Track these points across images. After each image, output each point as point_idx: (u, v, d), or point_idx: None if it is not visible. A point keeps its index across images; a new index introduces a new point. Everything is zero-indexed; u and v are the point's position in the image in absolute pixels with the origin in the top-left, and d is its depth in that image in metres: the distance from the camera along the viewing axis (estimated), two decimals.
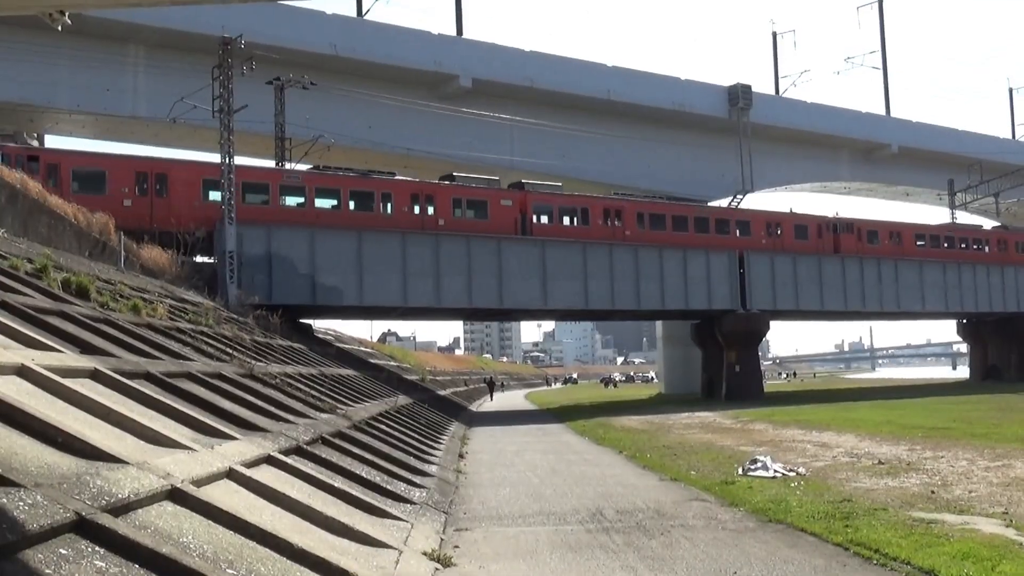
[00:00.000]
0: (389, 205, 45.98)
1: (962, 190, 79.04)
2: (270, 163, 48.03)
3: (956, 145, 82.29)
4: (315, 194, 44.69)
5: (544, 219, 51.06)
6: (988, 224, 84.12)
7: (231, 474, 8.40)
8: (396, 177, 48.62)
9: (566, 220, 51.93)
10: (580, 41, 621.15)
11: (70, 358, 9.48)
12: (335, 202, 45.28)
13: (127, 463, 6.67)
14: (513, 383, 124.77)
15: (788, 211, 63.21)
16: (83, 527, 5.37)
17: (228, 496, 7.67)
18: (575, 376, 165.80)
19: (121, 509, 5.90)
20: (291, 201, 44.23)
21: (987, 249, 70.52)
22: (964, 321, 78.75)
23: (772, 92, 77.23)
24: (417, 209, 46.52)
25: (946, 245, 68.26)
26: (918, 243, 66.75)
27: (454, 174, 50.26)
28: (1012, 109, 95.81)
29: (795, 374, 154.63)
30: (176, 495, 6.79)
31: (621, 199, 54.64)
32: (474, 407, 58.93)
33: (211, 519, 6.81)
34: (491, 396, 76.84)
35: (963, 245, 69.50)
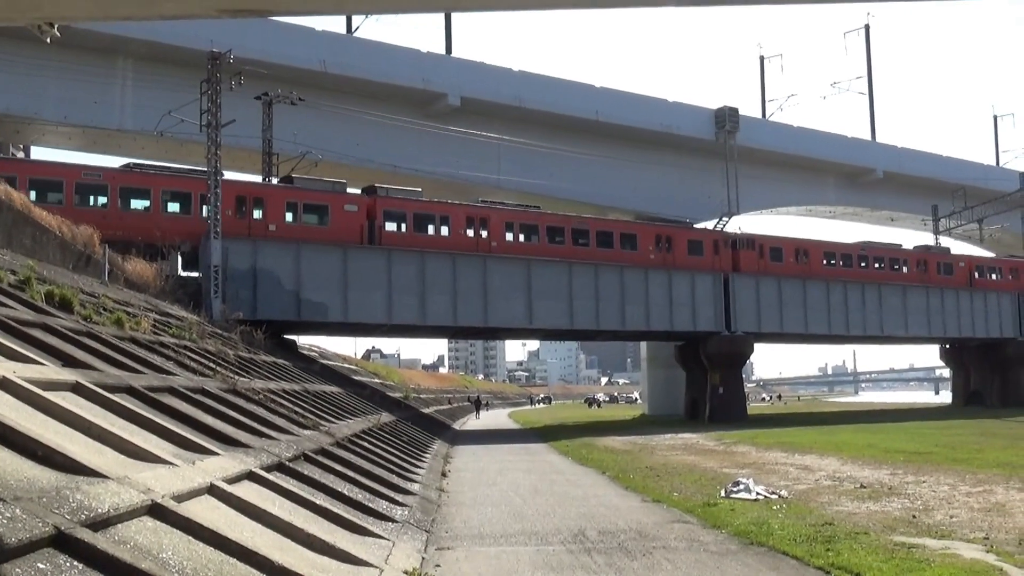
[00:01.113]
0: (206, 209, 39.86)
1: (946, 216, 79.48)
2: (257, 178, 47.97)
3: (941, 171, 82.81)
4: (120, 194, 40.19)
5: (397, 226, 46.80)
6: (974, 249, 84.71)
7: (212, 490, 8.36)
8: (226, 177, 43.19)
9: (423, 228, 47.57)
10: (568, 62, 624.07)
11: (52, 371, 9.43)
12: (147, 203, 40.86)
13: (107, 477, 6.63)
14: (497, 402, 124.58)
15: (685, 223, 60.88)
16: (62, 541, 5.33)
17: (209, 512, 7.63)
18: (547, 396, 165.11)
19: (100, 524, 5.86)
20: (93, 201, 39.80)
21: (905, 269, 67.86)
22: (947, 346, 79.07)
23: (759, 115, 77.63)
24: (246, 213, 42.10)
25: (861, 265, 65.54)
26: (827, 262, 63.62)
27: (293, 175, 46.22)
28: (996, 136, 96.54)
29: (780, 397, 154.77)
30: (156, 510, 6.75)
31: (488, 206, 50.52)
32: (457, 425, 58.79)
33: (191, 535, 6.77)
34: (477, 414, 78.27)
35: (878, 265, 66.51)
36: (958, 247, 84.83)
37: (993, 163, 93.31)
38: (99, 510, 5.94)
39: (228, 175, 46.15)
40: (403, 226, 46.89)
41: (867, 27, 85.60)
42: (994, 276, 73.30)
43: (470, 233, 48.67)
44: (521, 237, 50.62)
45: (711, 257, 57.44)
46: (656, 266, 54.78)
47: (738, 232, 60.88)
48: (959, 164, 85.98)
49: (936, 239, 79.44)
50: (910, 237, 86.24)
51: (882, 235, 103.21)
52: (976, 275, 71.87)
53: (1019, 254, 78.21)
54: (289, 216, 43.70)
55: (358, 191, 46.81)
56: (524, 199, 57.66)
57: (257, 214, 42.63)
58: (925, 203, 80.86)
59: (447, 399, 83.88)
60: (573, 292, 51.26)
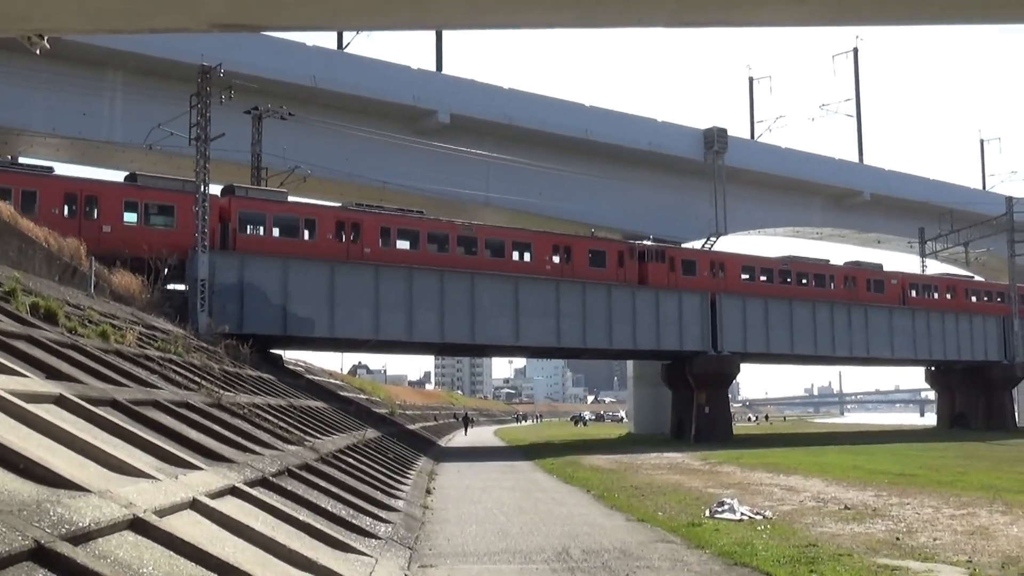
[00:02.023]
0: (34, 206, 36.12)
1: (932, 239, 79.85)
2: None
3: (927, 194, 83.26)
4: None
5: (255, 230, 43.24)
6: (959, 271, 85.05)
7: (195, 505, 8.31)
8: (54, 173, 39.84)
9: (290, 232, 44.08)
10: (558, 81, 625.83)
11: (35, 383, 9.38)
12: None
13: (89, 491, 6.59)
14: (483, 419, 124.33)
15: (590, 233, 57.64)
16: (41, 555, 5.30)
17: (191, 527, 7.59)
18: (523, 414, 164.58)
19: (81, 538, 5.82)
20: None
21: (832, 286, 64.86)
22: (932, 368, 79.27)
23: (747, 136, 77.98)
24: (77, 213, 38.08)
25: (784, 280, 62.56)
26: (743, 276, 60.57)
27: (137, 173, 43.07)
28: (983, 161, 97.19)
29: (767, 417, 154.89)
30: (138, 525, 6.71)
31: (362, 210, 46.30)
32: (443, 442, 58.66)
33: (173, 550, 6.73)
34: (465, 431, 78.85)
35: (803, 281, 63.66)
36: (945, 270, 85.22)
37: (980, 187, 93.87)
38: (80, 524, 5.90)
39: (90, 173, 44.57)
40: (262, 230, 43.38)
41: (855, 50, 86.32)
42: (928, 295, 71.06)
43: (342, 239, 44.71)
44: (400, 244, 46.98)
45: (615, 269, 53.74)
46: (555, 276, 51.25)
47: (647, 243, 57.35)
48: (946, 187, 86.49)
49: (923, 262, 79.78)
50: (897, 260, 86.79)
51: (869, 257, 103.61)
52: (912, 293, 69.71)
53: (1004, 278, 78.43)
54: (130, 217, 39.85)
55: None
56: (513, 217, 57.76)
57: (93, 214, 38.55)
58: (912, 226, 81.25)
59: (433, 416, 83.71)
60: (560, 310, 51.29)
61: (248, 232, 42.77)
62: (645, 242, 57.05)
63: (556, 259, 52.02)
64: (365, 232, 45.43)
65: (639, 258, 55.26)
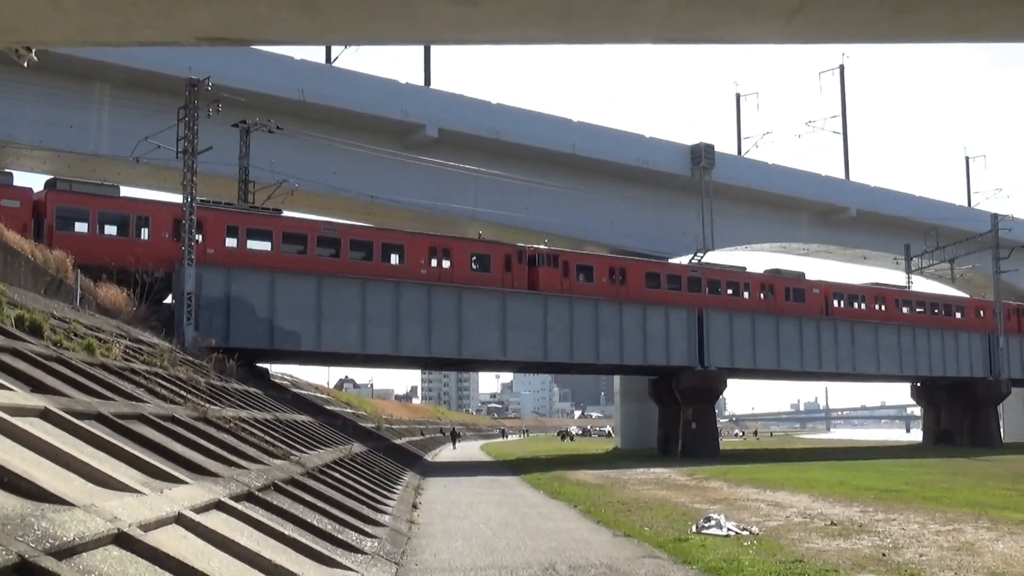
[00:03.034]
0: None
1: (918, 255, 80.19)
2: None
3: (913, 211, 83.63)
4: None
5: (77, 228, 38.93)
6: (948, 290, 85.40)
7: (180, 519, 8.28)
8: None
9: (122, 231, 40.04)
10: (546, 96, 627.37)
11: (20, 396, 9.34)
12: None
13: (74, 505, 6.56)
14: (470, 434, 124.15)
15: (477, 236, 53.77)
16: (25, 570, 5.27)
17: (176, 542, 7.56)
18: (505, 430, 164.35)
19: (65, 552, 5.79)
20: None
21: (747, 295, 61.35)
22: (918, 385, 79.50)
23: (735, 152, 78.25)
24: None
25: (691, 289, 58.59)
26: (648, 284, 56.85)
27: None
28: (968, 177, 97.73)
29: (756, 433, 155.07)
30: (122, 539, 6.68)
31: (205, 206, 41.95)
32: (430, 456, 58.54)
33: (157, 565, 6.70)
34: (454, 445, 79.59)
35: (715, 289, 60.08)
36: (930, 286, 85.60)
37: (965, 204, 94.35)
38: (64, 538, 5.87)
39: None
40: (85, 227, 39.04)
41: (842, 67, 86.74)
42: (855, 305, 67.66)
43: (172, 237, 40.16)
44: (253, 244, 43.16)
45: (500, 274, 49.97)
46: (431, 281, 47.34)
47: (539, 247, 53.10)
48: (931, 204, 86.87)
49: (908, 278, 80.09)
50: (883, 276, 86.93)
51: (855, 273, 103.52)
52: (836, 303, 66.10)
53: (989, 295, 78.79)
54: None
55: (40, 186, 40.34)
56: (501, 231, 57.75)
57: None
58: (898, 242, 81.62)
59: (420, 430, 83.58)
60: (547, 325, 51.32)
61: (70, 230, 38.32)
62: (539, 246, 53.13)
63: (434, 262, 48.12)
64: (209, 231, 41.20)
65: (530, 262, 51.73)
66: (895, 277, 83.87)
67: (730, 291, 60.76)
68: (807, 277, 66.17)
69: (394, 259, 47.42)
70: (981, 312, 74.43)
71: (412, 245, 48.15)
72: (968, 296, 79.70)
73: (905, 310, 70.20)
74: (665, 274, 58.55)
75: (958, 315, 73.31)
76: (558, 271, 52.41)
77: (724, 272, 61.96)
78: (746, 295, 61.38)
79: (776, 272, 65.97)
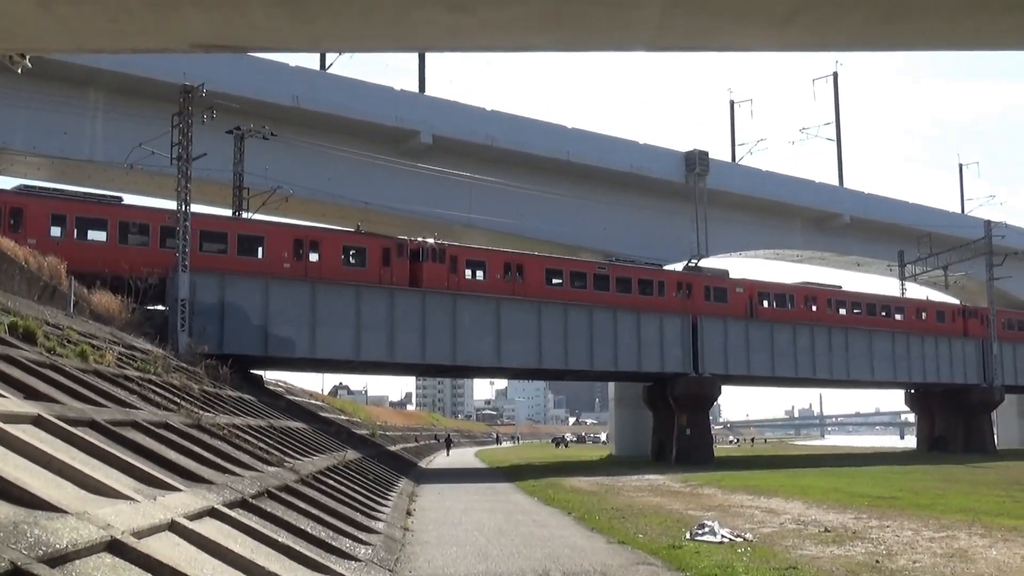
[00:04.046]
0: None
1: (912, 262, 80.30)
2: (227, 212, 47.76)
3: (907, 217, 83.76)
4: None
5: None
6: (942, 297, 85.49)
7: (173, 526, 8.27)
8: None
9: None
10: (541, 103, 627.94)
11: (13, 403, 9.32)
12: None
13: (67, 512, 6.55)
14: (464, 440, 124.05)
15: (356, 229, 49.51)
16: None
17: (169, 549, 7.55)
18: (499, 436, 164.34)
19: (58, 560, 5.78)
20: None
21: (663, 294, 57.85)
22: (912, 391, 79.58)
23: (729, 159, 78.37)
24: None
25: (598, 288, 55.23)
26: (553, 281, 53.59)
27: None
28: (962, 184, 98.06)
29: (752, 440, 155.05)
30: (115, 547, 6.67)
31: (24, 193, 39.35)
32: (424, 463, 58.48)
33: (151, 572, 6.69)
34: (448, 452, 79.51)
35: (625, 287, 56.45)
36: (923, 293, 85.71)
37: (959, 211, 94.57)
38: (57, 545, 5.86)
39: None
40: None
41: (835, 74, 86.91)
42: (784, 305, 64.41)
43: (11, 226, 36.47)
44: (84, 234, 39.83)
45: (377, 269, 46.13)
46: (297, 276, 43.73)
47: (426, 241, 49.25)
48: (925, 211, 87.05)
49: (902, 285, 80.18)
50: (877, 282, 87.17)
51: (849, 280, 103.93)
52: (763, 304, 63.29)
53: (982, 301, 78.95)
54: None
55: None
56: (495, 238, 57.74)
57: None
58: (891, 249, 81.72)
59: (414, 437, 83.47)
60: (542, 331, 51.29)
61: None
62: (426, 240, 49.34)
63: (305, 256, 44.55)
64: (29, 220, 37.38)
65: (413, 257, 47.90)
66: (889, 284, 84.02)
67: (642, 290, 57.21)
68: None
69: (256, 252, 43.54)
70: (923, 314, 72.71)
71: (274, 237, 44.60)
72: (919, 298, 77.92)
73: (842, 311, 67.51)
74: (568, 271, 54.87)
75: (898, 316, 71.42)
76: (444, 266, 48.61)
77: (636, 269, 58.31)
78: (662, 295, 57.86)
79: (696, 270, 63.06)
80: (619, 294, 55.65)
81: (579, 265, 56.46)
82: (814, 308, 65.38)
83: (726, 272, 64.00)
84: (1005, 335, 75.25)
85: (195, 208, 40.44)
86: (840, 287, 70.74)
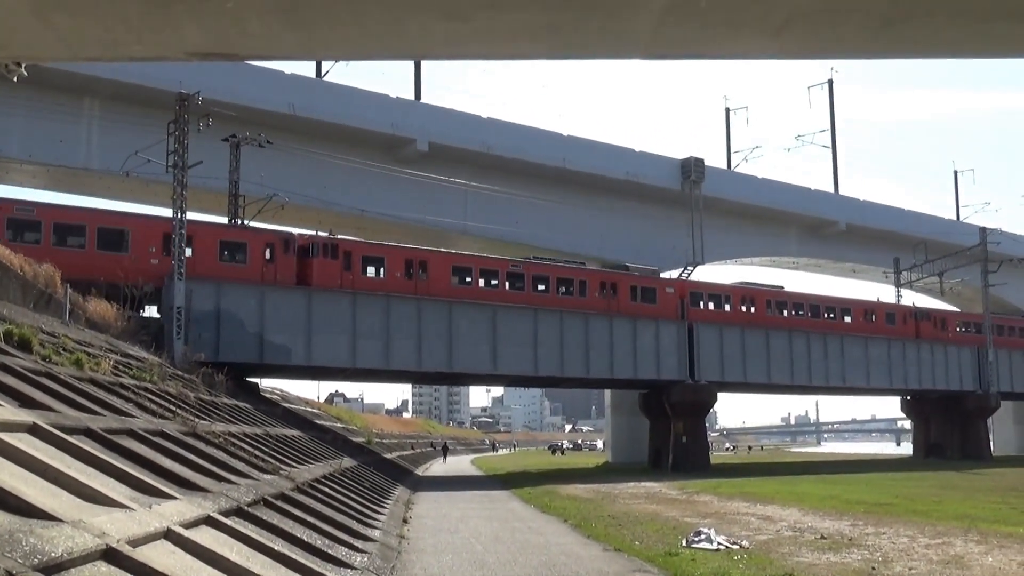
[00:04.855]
0: None
1: (907, 269, 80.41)
2: (223, 219, 47.73)
3: (902, 224, 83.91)
4: None
5: None
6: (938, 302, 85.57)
7: (169, 535, 8.25)
8: None
9: None
10: (536, 110, 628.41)
11: (8, 412, 9.30)
12: None
13: (62, 521, 6.53)
14: (460, 448, 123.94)
15: (237, 222, 46.12)
16: None
17: (165, 557, 7.53)
18: (495, 443, 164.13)
19: (53, 568, 5.77)
20: None
21: (584, 294, 54.36)
22: (908, 398, 79.65)
23: (724, 166, 78.47)
24: None
25: (515, 287, 51.81)
26: (457, 280, 50.13)
27: None
28: (957, 192, 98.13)
29: (749, 448, 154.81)
30: (111, 555, 6.65)
31: None
32: (420, 471, 58.42)
33: None
34: (444, 459, 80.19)
35: (540, 287, 52.94)
36: (919, 300, 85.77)
37: (954, 217, 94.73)
38: (52, 554, 5.85)
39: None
40: None
41: (830, 82, 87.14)
42: (719, 306, 61.79)
43: None
44: None
45: (259, 265, 42.65)
46: (159, 273, 38.98)
47: (319, 235, 46.84)
48: (920, 218, 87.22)
49: (897, 292, 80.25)
50: (873, 289, 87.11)
51: (845, 287, 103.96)
52: (696, 305, 60.15)
53: (978, 308, 79.04)
54: None
55: None
56: (490, 245, 57.73)
57: None
58: (887, 256, 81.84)
59: (410, 444, 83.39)
60: (538, 339, 51.29)
61: None
62: (319, 234, 46.96)
63: (166, 253, 39.52)
64: None
65: (302, 253, 44.95)
66: (885, 291, 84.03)
67: (562, 289, 53.83)
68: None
69: (121, 247, 39.57)
70: (873, 316, 70.25)
71: (140, 231, 40.61)
72: (869, 300, 76.65)
73: (783, 312, 64.64)
74: (479, 268, 51.60)
75: (846, 319, 68.76)
76: (338, 263, 45.20)
77: (554, 268, 54.65)
78: (583, 295, 54.47)
79: (624, 269, 59.88)
80: (535, 294, 52.45)
81: (491, 263, 52.88)
82: (752, 309, 62.83)
83: (656, 272, 61.66)
84: (962, 339, 74.43)
85: (191, 215, 40.42)
86: (782, 287, 68.02)
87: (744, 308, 62.38)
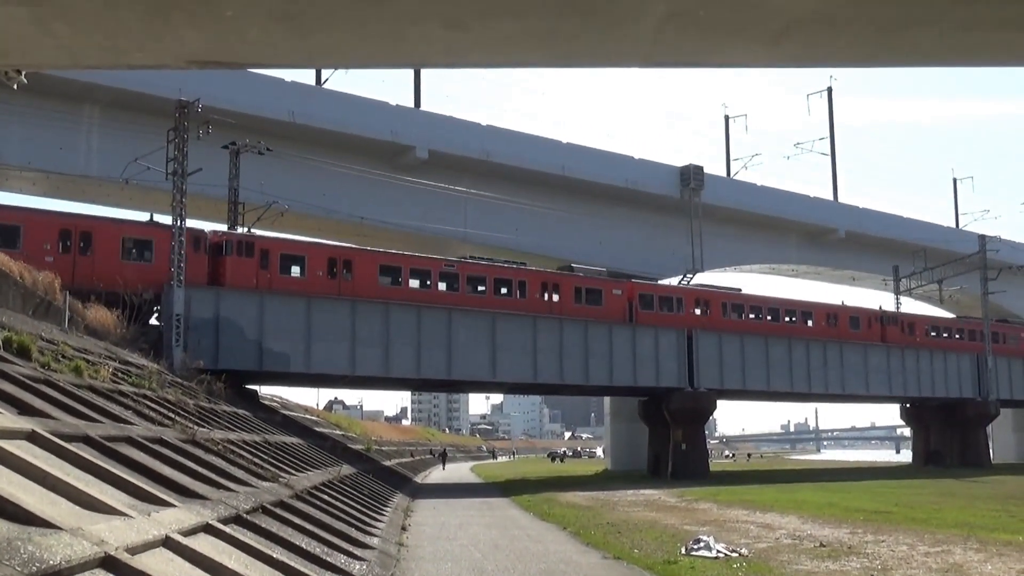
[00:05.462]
0: None
1: (907, 276, 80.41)
2: (222, 227, 47.74)
3: (901, 232, 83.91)
4: None
5: None
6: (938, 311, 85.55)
7: (167, 542, 8.25)
8: None
9: None
10: (536, 117, 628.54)
11: (7, 419, 9.30)
12: None
13: (60, 529, 6.53)
14: (459, 455, 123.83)
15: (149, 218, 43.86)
16: None
17: (163, 565, 7.53)
18: (494, 450, 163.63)
19: None
20: None
21: (520, 295, 51.87)
22: (908, 405, 79.62)
23: (724, 174, 78.49)
24: None
25: (439, 286, 49.47)
26: (386, 279, 47.69)
27: None
28: (956, 199, 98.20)
29: (749, 456, 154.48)
30: (109, 563, 6.65)
31: None
32: (420, 478, 58.36)
33: None
34: (443, 466, 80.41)
35: (479, 288, 50.74)
36: (919, 308, 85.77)
37: (953, 225, 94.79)
38: (51, 562, 5.85)
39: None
40: None
41: (830, 89, 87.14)
42: (663, 309, 58.89)
43: None
44: None
45: (167, 265, 38.89)
46: (66, 271, 33.84)
47: (234, 231, 45.12)
48: (920, 225, 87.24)
49: (897, 299, 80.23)
50: (872, 297, 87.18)
51: (844, 294, 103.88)
52: (647, 308, 57.87)
53: (977, 315, 79.04)
54: None
55: None
56: (490, 252, 57.69)
57: None
58: (886, 263, 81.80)
59: (409, 452, 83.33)
60: (537, 346, 51.25)
61: None
62: (234, 230, 45.41)
63: (67, 249, 38.02)
64: None
65: (215, 250, 42.70)
66: (884, 298, 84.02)
67: (502, 290, 51.76)
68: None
69: (14, 244, 35.87)
70: (835, 318, 67.84)
71: (32, 227, 37.82)
72: (833, 303, 75.22)
73: (740, 316, 62.88)
74: (408, 268, 49.00)
75: (808, 323, 66.67)
76: (253, 261, 42.76)
77: (491, 268, 51.93)
78: (518, 295, 51.88)
79: (568, 269, 57.32)
80: (472, 295, 50.08)
81: (421, 262, 50.26)
82: (707, 312, 60.85)
83: (603, 272, 58.97)
84: (929, 342, 73.76)
85: (190, 223, 40.44)
86: (740, 290, 65.77)
87: (698, 311, 60.54)
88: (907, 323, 73.26)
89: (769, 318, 64.39)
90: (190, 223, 39.50)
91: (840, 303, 71.43)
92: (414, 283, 48.76)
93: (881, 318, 71.39)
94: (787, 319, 65.67)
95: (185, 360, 35.59)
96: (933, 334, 74.89)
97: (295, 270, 45.02)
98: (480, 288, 50.69)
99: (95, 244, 38.51)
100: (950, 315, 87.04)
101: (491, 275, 51.35)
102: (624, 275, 60.68)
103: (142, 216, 48.84)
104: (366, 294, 45.80)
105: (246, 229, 47.40)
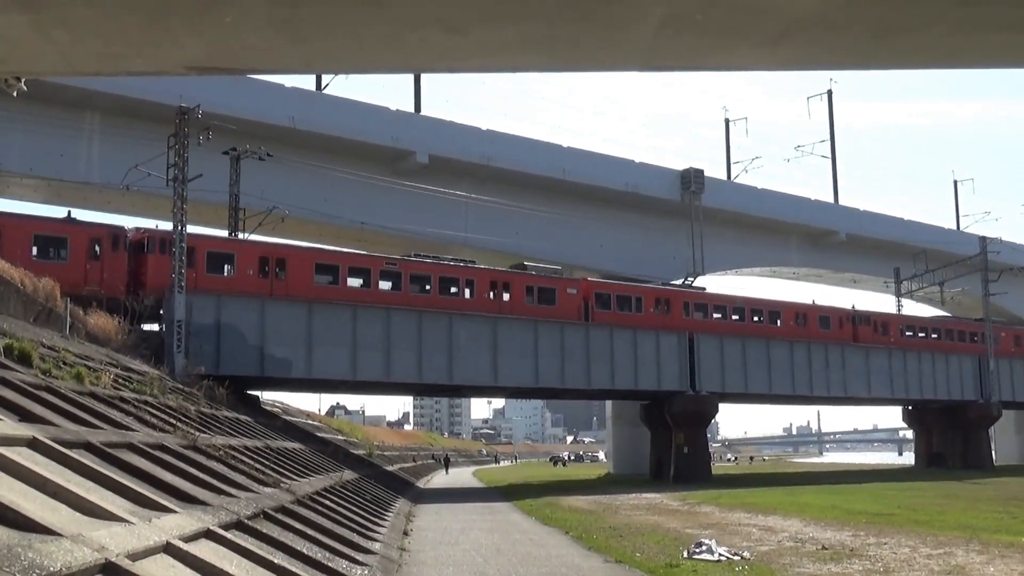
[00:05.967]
0: None
1: (908, 278, 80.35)
2: (223, 232, 47.77)
3: (902, 234, 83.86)
4: None
5: None
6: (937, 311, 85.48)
7: (168, 548, 8.24)
8: None
9: None
10: (536, 122, 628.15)
11: (8, 426, 9.30)
12: None
13: (61, 535, 6.52)
14: (462, 460, 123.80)
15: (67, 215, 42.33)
16: None
17: (164, 571, 7.52)
18: (497, 455, 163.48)
19: None
20: None
21: (468, 293, 50.23)
22: (910, 408, 79.55)
23: (724, 177, 78.44)
24: None
25: (381, 285, 47.54)
26: (323, 279, 45.72)
27: None
28: (957, 201, 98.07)
29: (751, 459, 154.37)
30: (110, 569, 6.64)
31: None
32: (422, 483, 58.34)
33: None
34: (446, 471, 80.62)
35: (427, 287, 48.74)
36: (920, 309, 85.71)
37: (954, 227, 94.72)
38: (51, 569, 5.84)
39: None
40: None
41: (830, 92, 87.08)
42: (620, 308, 56.82)
43: None
44: None
45: (83, 264, 37.99)
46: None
47: (151, 229, 42.97)
48: (920, 228, 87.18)
49: (898, 301, 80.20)
50: (873, 299, 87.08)
51: (845, 297, 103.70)
52: (604, 307, 55.79)
53: (978, 316, 79.00)
54: None
55: None
56: (491, 257, 57.71)
57: None
58: (887, 266, 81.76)
59: (411, 457, 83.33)
60: (538, 350, 51.23)
61: None
62: (156, 227, 43.17)
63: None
64: None
65: (137, 249, 40.93)
66: (885, 300, 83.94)
67: (451, 289, 50.10)
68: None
69: None
70: (804, 318, 65.71)
71: None
72: (803, 303, 74.08)
73: (698, 315, 60.54)
74: (346, 267, 47.27)
75: (778, 323, 64.84)
76: (185, 260, 39.38)
77: (436, 266, 49.91)
78: (467, 294, 50.22)
79: (521, 267, 55.22)
80: (417, 295, 48.15)
81: (360, 260, 48.75)
82: (665, 311, 58.72)
83: (558, 270, 56.73)
84: (904, 343, 72.94)
85: (191, 229, 40.46)
86: (704, 289, 65.11)
87: (658, 311, 58.43)
88: (880, 323, 70.80)
89: (735, 317, 62.71)
90: (138, 221, 38.73)
91: (811, 302, 69.20)
92: (354, 282, 46.93)
93: (853, 318, 69.12)
94: (755, 319, 64.07)
95: (186, 366, 35.58)
96: (908, 334, 73.97)
97: (222, 269, 43.18)
98: (426, 287, 48.80)
99: (3, 242, 35.43)
100: (947, 315, 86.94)
101: (436, 273, 49.37)
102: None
103: (147, 223, 49.01)
104: (300, 293, 44.10)
105: (247, 235, 47.43)
